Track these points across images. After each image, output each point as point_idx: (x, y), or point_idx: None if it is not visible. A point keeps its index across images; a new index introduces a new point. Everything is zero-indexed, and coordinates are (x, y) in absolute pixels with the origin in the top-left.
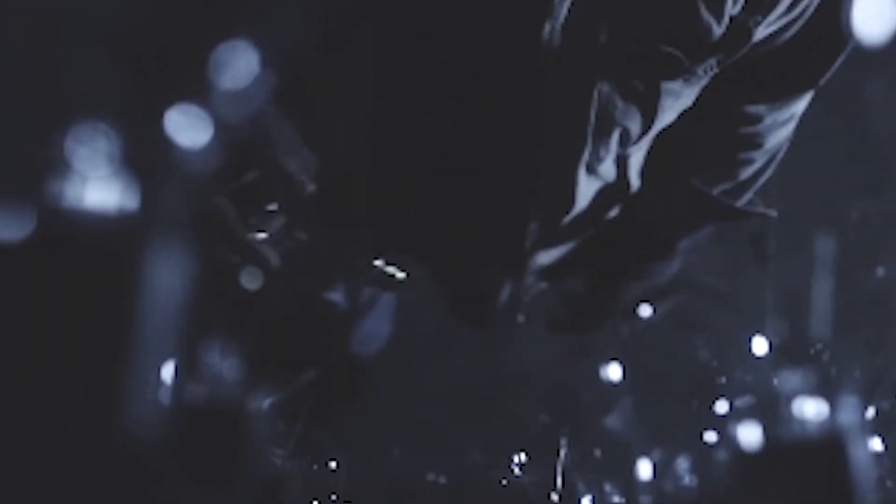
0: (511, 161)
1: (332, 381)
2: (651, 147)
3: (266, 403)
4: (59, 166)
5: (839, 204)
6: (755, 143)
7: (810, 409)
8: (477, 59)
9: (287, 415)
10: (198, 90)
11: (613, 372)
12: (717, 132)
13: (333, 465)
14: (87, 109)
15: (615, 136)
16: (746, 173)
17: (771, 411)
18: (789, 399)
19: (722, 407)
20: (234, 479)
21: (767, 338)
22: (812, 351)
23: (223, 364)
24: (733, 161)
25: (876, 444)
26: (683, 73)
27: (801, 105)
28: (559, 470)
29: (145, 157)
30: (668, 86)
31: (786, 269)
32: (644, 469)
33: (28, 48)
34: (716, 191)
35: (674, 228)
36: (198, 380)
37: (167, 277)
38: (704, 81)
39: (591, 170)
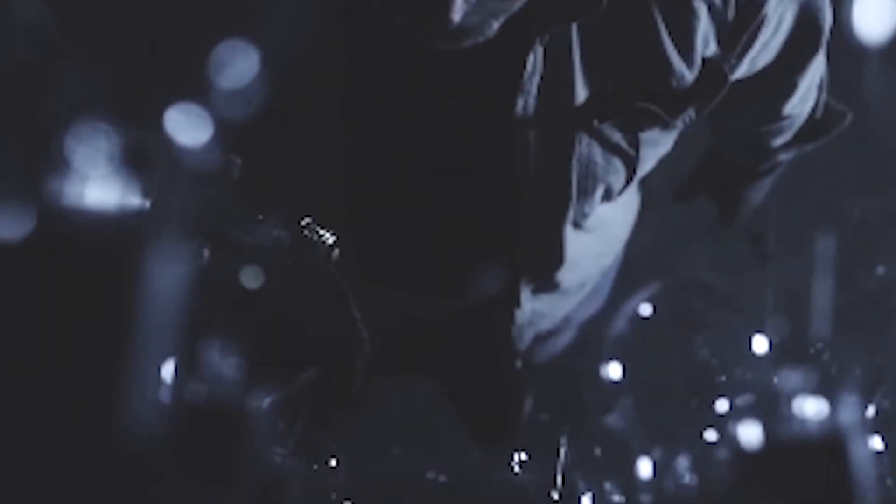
0: (495, 223)
1: (332, 381)
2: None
3: (266, 402)
4: (59, 165)
5: (839, 203)
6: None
7: (810, 407)
8: (455, 125)
9: (287, 414)
10: (198, 89)
11: (613, 370)
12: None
13: (333, 463)
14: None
15: (599, 192)
16: (772, 147)
17: (771, 410)
18: (789, 398)
19: (722, 406)
20: (234, 478)
21: (768, 336)
22: (812, 350)
23: (223, 363)
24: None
25: (876, 442)
26: (663, 125)
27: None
28: (559, 468)
29: (145, 156)
30: (647, 136)
31: (786, 269)
32: (644, 468)
33: (27, 47)
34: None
35: None
36: (198, 379)
37: (167, 276)
38: (683, 128)
39: (577, 226)
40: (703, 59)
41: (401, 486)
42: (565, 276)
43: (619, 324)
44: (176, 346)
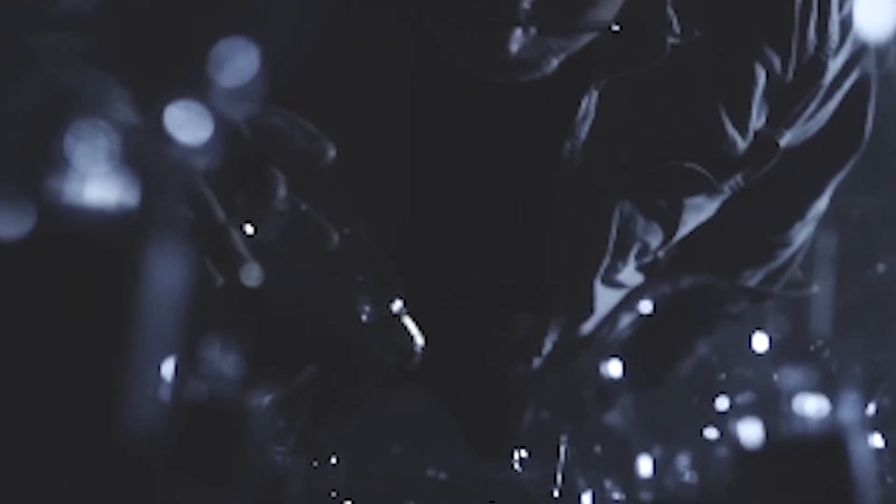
0: (529, 270)
1: (333, 379)
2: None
3: (266, 400)
4: (58, 164)
5: (839, 201)
6: (783, 243)
7: (811, 405)
8: (501, 162)
9: (287, 412)
10: (198, 86)
11: (613, 368)
12: (743, 239)
13: (333, 461)
14: (86, 106)
15: (634, 251)
16: (776, 265)
17: (772, 408)
18: (790, 396)
19: (722, 403)
20: (234, 477)
21: (768, 334)
22: (812, 348)
23: (223, 361)
24: (761, 260)
25: (877, 440)
26: (709, 189)
27: (822, 204)
28: (559, 466)
29: (145, 154)
30: (691, 201)
31: None
32: (644, 465)
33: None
34: (749, 283)
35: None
36: (198, 377)
37: (167, 274)
38: (728, 195)
39: (607, 282)
40: (755, 131)
41: (401, 484)
42: (587, 327)
43: (620, 321)
44: (176, 344)
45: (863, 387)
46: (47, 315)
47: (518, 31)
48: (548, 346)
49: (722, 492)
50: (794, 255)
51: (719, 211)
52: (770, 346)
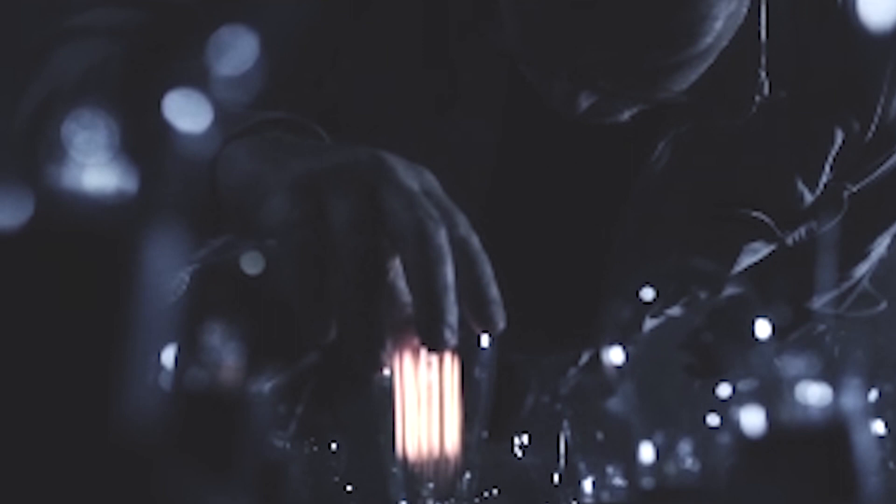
0: (577, 307)
1: (334, 364)
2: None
3: (267, 386)
4: (57, 153)
5: None
6: (845, 277)
7: (813, 391)
8: (570, 198)
9: (288, 397)
10: (198, 74)
11: (615, 355)
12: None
13: (334, 447)
14: (85, 95)
15: (682, 301)
16: (840, 291)
17: (774, 394)
18: (792, 382)
19: (724, 390)
20: (234, 462)
21: (770, 320)
22: (814, 333)
23: (224, 348)
24: (823, 289)
25: (878, 426)
26: (771, 238)
27: (884, 242)
28: (561, 452)
29: (144, 142)
30: (751, 246)
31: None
32: (646, 452)
33: (25, 33)
34: (814, 306)
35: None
36: (198, 364)
37: (166, 260)
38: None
39: (655, 315)
40: (824, 185)
41: None
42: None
43: (622, 308)
44: (176, 331)
45: (865, 372)
46: (46, 305)
47: (584, 94)
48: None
49: (724, 478)
50: (858, 282)
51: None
52: (772, 332)
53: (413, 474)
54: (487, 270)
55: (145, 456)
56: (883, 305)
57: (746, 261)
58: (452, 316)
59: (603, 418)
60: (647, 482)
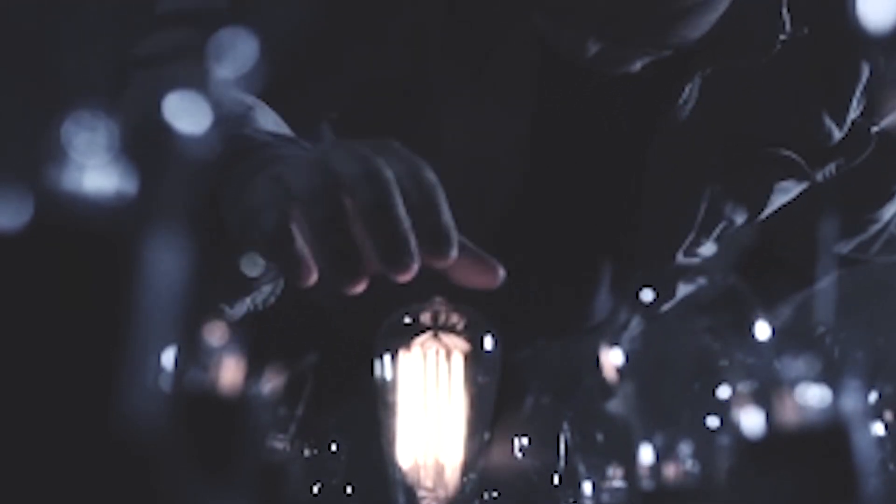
0: (608, 245)
1: (333, 365)
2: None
3: (267, 388)
4: (56, 154)
5: None
6: (873, 219)
7: (813, 392)
8: (598, 145)
9: (288, 399)
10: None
11: (615, 355)
12: (832, 214)
13: (334, 448)
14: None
15: (718, 228)
16: (867, 236)
17: (773, 395)
18: (792, 383)
19: (724, 391)
20: (234, 464)
21: (770, 321)
22: (814, 334)
23: (224, 349)
24: (851, 233)
25: (878, 427)
26: (801, 176)
27: None
28: (561, 453)
29: (143, 143)
30: (781, 185)
31: None
32: (646, 453)
33: (26, 35)
34: (842, 251)
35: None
36: (198, 365)
37: (167, 262)
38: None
39: (689, 254)
40: (852, 122)
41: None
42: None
43: (622, 309)
44: (176, 333)
45: (864, 373)
46: (46, 305)
47: (591, 39)
48: (624, 317)
49: (724, 479)
50: (886, 225)
51: (809, 190)
52: (772, 333)
53: (413, 476)
54: (440, 199)
55: (145, 457)
56: None
57: (778, 200)
58: (408, 240)
59: (603, 419)
60: (646, 483)
